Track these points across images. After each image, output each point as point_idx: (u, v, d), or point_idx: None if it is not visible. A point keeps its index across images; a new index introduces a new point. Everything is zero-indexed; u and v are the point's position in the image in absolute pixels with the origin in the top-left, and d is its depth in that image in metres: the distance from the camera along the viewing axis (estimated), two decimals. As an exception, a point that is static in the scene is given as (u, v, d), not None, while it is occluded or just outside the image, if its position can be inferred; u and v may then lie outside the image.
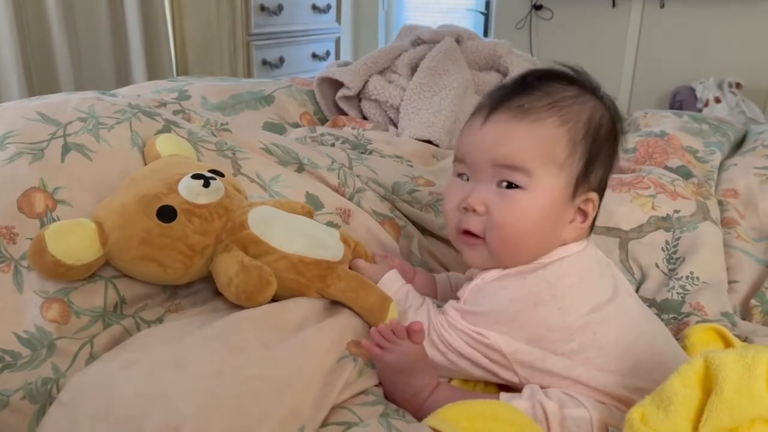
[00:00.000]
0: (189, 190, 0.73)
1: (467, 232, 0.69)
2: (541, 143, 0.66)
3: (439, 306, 0.74)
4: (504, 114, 0.68)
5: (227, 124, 1.00)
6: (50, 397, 0.63)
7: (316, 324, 0.70)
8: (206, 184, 0.74)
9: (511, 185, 0.66)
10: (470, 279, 0.72)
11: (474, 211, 0.68)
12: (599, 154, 0.69)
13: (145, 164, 0.82)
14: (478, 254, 0.69)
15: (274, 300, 0.73)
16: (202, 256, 0.73)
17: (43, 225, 0.72)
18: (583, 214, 0.70)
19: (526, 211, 0.66)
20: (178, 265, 0.72)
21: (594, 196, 0.69)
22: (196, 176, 0.75)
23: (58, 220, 0.73)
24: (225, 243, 0.74)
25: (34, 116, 0.81)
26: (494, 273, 0.69)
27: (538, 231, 0.67)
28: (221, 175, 0.79)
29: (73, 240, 0.67)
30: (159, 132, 0.87)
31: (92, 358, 0.67)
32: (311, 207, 0.89)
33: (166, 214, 0.71)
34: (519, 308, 0.66)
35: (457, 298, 0.72)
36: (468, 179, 0.70)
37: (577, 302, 0.67)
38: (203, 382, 0.58)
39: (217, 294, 0.76)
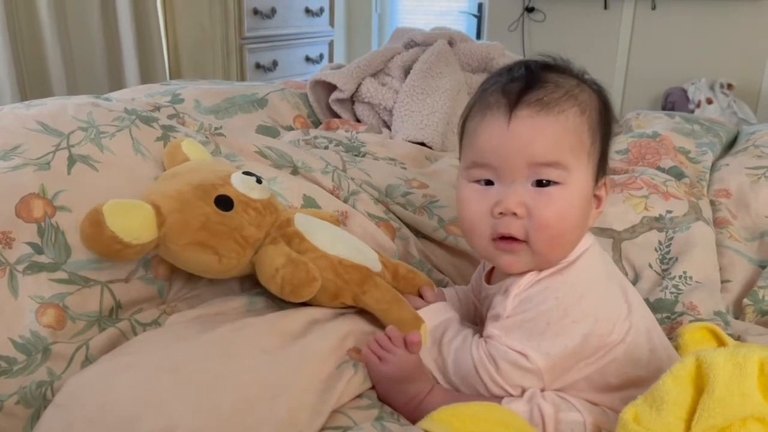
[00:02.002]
0: (244, 184, 0.74)
1: (505, 238, 0.65)
2: (571, 135, 0.65)
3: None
4: (527, 110, 0.64)
5: (221, 128, 1.00)
6: (45, 401, 0.62)
7: (316, 331, 0.70)
8: (259, 181, 0.76)
9: (548, 182, 0.64)
10: (497, 293, 0.70)
11: (513, 214, 0.64)
12: (609, 138, 0.70)
13: (165, 166, 0.82)
14: (520, 258, 0.66)
15: (305, 303, 0.73)
16: (253, 249, 0.73)
17: (41, 231, 0.72)
18: (599, 199, 0.70)
19: (567, 206, 0.64)
20: (233, 255, 0.71)
21: (608, 179, 0.71)
22: (246, 173, 0.76)
23: (57, 226, 0.73)
24: (272, 236, 0.74)
25: (35, 126, 0.81)
26: (528, 279, 0.67)
27: (579, 224, 0.67)
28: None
29: (133, 217, 0.66)
30: (158, 139, 0.88)
31: (88, 360, 0.67)
32: (338, 216, 0.90)
33: (225, 202, 0.71)
34: (567, 304, 0.65)
35: (491, 312, 0.70)
36: (489, 182, 0.66)
37: (609, 289, 0.68)
38: (198, 388, 0.58)
39: (217, 296, 0.75)
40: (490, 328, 0.67)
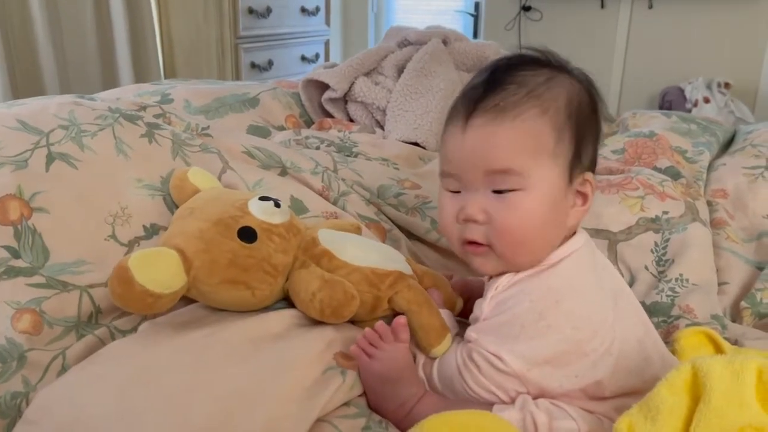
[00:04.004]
0: (263, 211, 0.73)
1: (472, 242, 0.67)
2: (528, 138, 0.64)
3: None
4: (482, 117, 0.65)
5: (208, 128, 0.98)
6: (20, 412, 0.61)
7: (298, 336, 0.68)
8: (277, 205, 0.74)
9: (507, 189, 0.64)
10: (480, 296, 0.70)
11: (475, 221, 0.65)
12: (586, 132, 0.67)
13: (174, 200, 0.81)
14: (488, 260, 0.67)
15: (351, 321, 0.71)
16: (284, 275, 0.72)
17: (17, 234, 0.70)
18: (583, 196, 0.68)
19: (529, 211, 0.64)
20: (264, 286, 0.70)
21: (590, 176, 0.68)
22: (263, 198, 0.74)
23: (34, 229, 0.71)
24: (302, 260, 0.73)
25: (15, 125, 0.79)
26: (505, 281, 0.67)
27: (546, 225, 0.65)
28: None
29: (160, 267, 0.64)
30: (143, 136, 0.86)
31: (64, 370, 0.65)
32: (360, 224, 0.88)
33: (248, 234, 0.69)
34: (542, 308, 0.64)
35: (473, 316, 0.70)
36: (460, 191, 0.67)
37: (595, 295, 0.66)
38: (171, 399, 0.56)
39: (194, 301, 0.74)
40: (469, 331, 0.68)
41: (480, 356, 0.65)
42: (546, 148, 0.64)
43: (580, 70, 0.70)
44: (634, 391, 0.63)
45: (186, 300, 0.76)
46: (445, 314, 0.74)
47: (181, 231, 0.69)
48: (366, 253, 0.75)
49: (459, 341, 0.71)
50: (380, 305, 0.73)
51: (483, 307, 0.68)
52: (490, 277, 0.70)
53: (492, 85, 0.66)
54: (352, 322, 0.73)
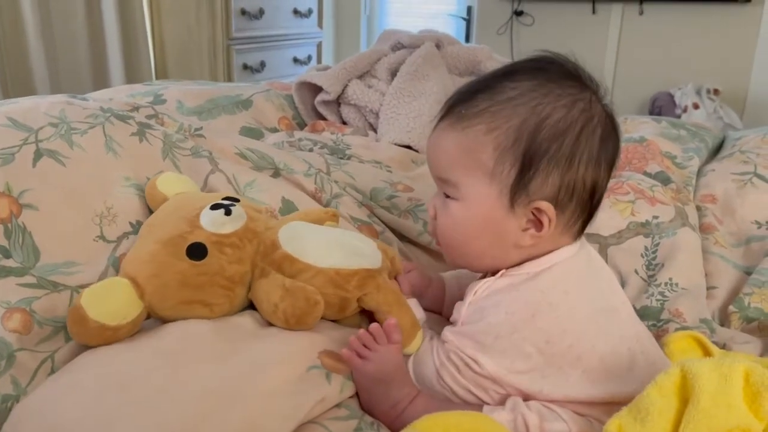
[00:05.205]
0: (213, 222, 0.71)
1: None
2: (465, 153, 0.65)
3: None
4: (446, 121, 0.67)
5: (201, 129, 0.98)
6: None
7: (276, 334, 0.68)
8: (228, 212, 0.72)
9: (449, 195, 0.68)
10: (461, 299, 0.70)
11: (432, 217, 0.71)
12: (539, 160, 0.63)
13: (150, 208, 0.80)
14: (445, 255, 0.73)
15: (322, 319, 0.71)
16: (242, 285, 0.71)
17: (7, 232, 0.70)
18: (538, 223, 0.65)
19: (459, 219, 0.67)
20: (222, 300, 0.69)
21: (545, 205, 0.64)
22: (214, 206, 0.72)
23: (24, 227, 0.71)
24: (261, 267, 0.72)
25: (4, 122, 0.79)
26: (484, 286, 0.68)
27: (479, 237, 0.67)
28: (237, 200, 0.77)
29: (112, 299, 0.64)
30: (133, 135, 0.85)
31: (53, 372, 0.64)
32: (335, 210, 0.87)
33: (197, 251, 0.69)
34: (517, 321, 0.64)
35: (452, 317, 0.70)
36: None
37: (575, 310, 0.65)
38: (147, 403, 0.56)
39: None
40: (446, 332, 0.69)
41: (457, 357, 0.66)
42: (483, 166, 0.64)
43: (596, 87, 0.67)
44: (624, 397, 0.63)
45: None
46: (412, 303, 0.76)
47: (135, 256, 0.70)
48: (329, 250, 0.73)
49: (432, 335, 0.72)
50: (348, 305, 0.72)
51: (461, 311, 0.68)
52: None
53: (472, 90, 0.67)
54: (332, 320, 0.73)
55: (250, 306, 0.74)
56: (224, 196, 0.78)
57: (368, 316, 0.76)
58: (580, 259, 0.69)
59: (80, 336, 0.64)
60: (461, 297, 0.79)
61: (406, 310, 0.73)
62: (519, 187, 0.64)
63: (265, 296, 0.69)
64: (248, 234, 0.73)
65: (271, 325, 0.71)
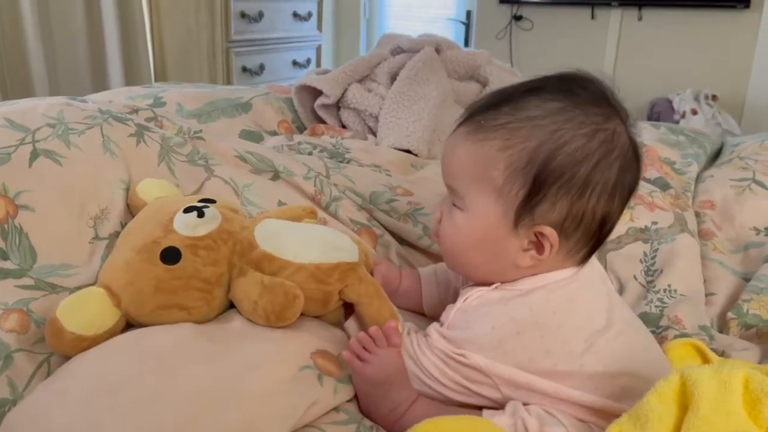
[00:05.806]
0: (185, 225, 0.71)
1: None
2: (477, 166, 0.64)
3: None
4: (465, 128, 0.66)
5: (201, 131, 0.98)
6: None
7: (265, 332, 0.68)
8: (200, 215, 0.72)
9: (455, 204, 0.68)
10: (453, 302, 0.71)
11: (437, 220, 0.71)
12: (549, 186, 0.62)
13: (132, 215, 0.80)
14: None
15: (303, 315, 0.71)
16: (219, 286, 0.71)
17: (4, 233, 0.69)
18: (540, 246, 0.64)
19: (461, 229, 0.67)
20: (200, 303, 0.69)
21: (548, 230, 0.63)
22: (188, 210, 0.72)
23: (20, 228, 0.71)
24: (238, 267, 0.71)
25: (1, 122, 0.79)
26: (475, 295, 0.68)
27: (477, 249, 0.67)
28: (213, 201, 0.77)
29: (88, 310, 0.64)
30: (132, 136, 0.85)
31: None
32: (313, 207, 0.87)
33: (171, 256, 0.68)
34: (501, 336, 0.64)
35: (442, 317, 0.70)
36: None
37: (563, 331, 0.64)
38: (138, 406, 0.55)
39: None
40: (431, 329, 0.69)
41: (444, 353, 0.66)
42: (492, 182, 0.63)
43: (623, 117, 0.65)
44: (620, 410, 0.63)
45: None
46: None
47: (111, 265, 0.70)
48: (307, 247, 0.73)
49: (410, 330, 0.72)
50: (331, 299, 0.72)
51: (449, 314, 0.69)
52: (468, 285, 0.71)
53: (495, 101, 0.66)
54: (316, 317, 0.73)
55: (233, 307, 0.73)
56: (200, 198, 0.78)
57: (347, 310, 0.75)
58: (577, 279, 0.67)
59: (58, 347, 0.64)
60: (440, 291, 0.81)
61: (385, 302, 0.73)
62: (525, 210, 0.63)
63: (244, 295, 0.69)
64: (223, 235, 0.72)
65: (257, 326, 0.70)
